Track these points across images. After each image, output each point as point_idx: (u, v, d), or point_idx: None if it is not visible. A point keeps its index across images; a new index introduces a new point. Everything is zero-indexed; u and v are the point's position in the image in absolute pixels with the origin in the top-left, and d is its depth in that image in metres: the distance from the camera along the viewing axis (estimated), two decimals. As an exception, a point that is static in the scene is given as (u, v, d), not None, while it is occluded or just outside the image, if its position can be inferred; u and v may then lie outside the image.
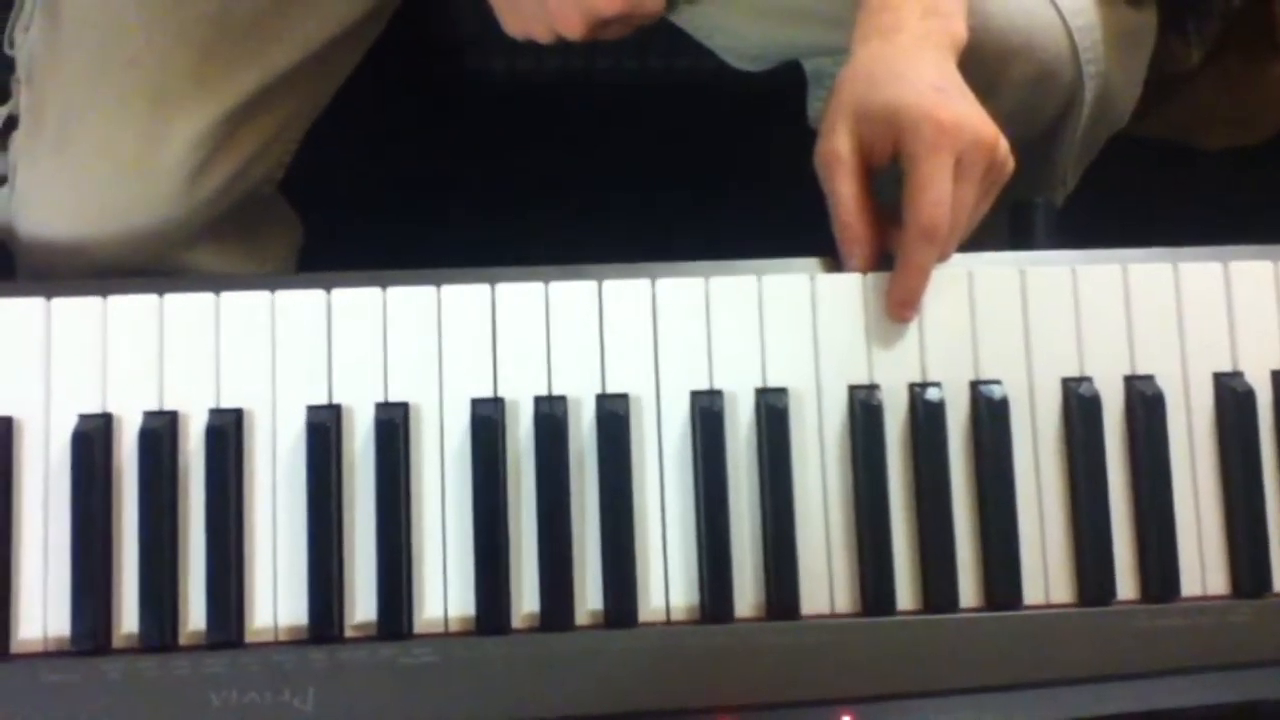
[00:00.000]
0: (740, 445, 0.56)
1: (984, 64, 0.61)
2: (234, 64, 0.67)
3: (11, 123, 0.69)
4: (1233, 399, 0.57)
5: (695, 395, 0.56)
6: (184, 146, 0.67)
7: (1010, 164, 0.58)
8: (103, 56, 0.66)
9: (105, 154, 0.66)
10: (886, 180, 0.58)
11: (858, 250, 0.57)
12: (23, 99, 0.68)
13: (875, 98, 0.56)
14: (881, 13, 0.59)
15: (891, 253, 0.58)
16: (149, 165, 0.66)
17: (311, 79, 0.72)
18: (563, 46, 0.66)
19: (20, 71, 0.69)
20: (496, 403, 0.56)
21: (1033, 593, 0.56)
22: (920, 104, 0.55)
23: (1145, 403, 0.57)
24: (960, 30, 0.60)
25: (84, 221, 0.66)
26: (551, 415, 0.55)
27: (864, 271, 0.58)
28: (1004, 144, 0.57)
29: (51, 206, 0.67)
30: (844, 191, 0.57)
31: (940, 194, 0.55)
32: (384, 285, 0.56)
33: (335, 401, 0.56)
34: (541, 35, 0.65)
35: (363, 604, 0.55)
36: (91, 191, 0.66)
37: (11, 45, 0.70)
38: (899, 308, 0.57)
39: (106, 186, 0.66)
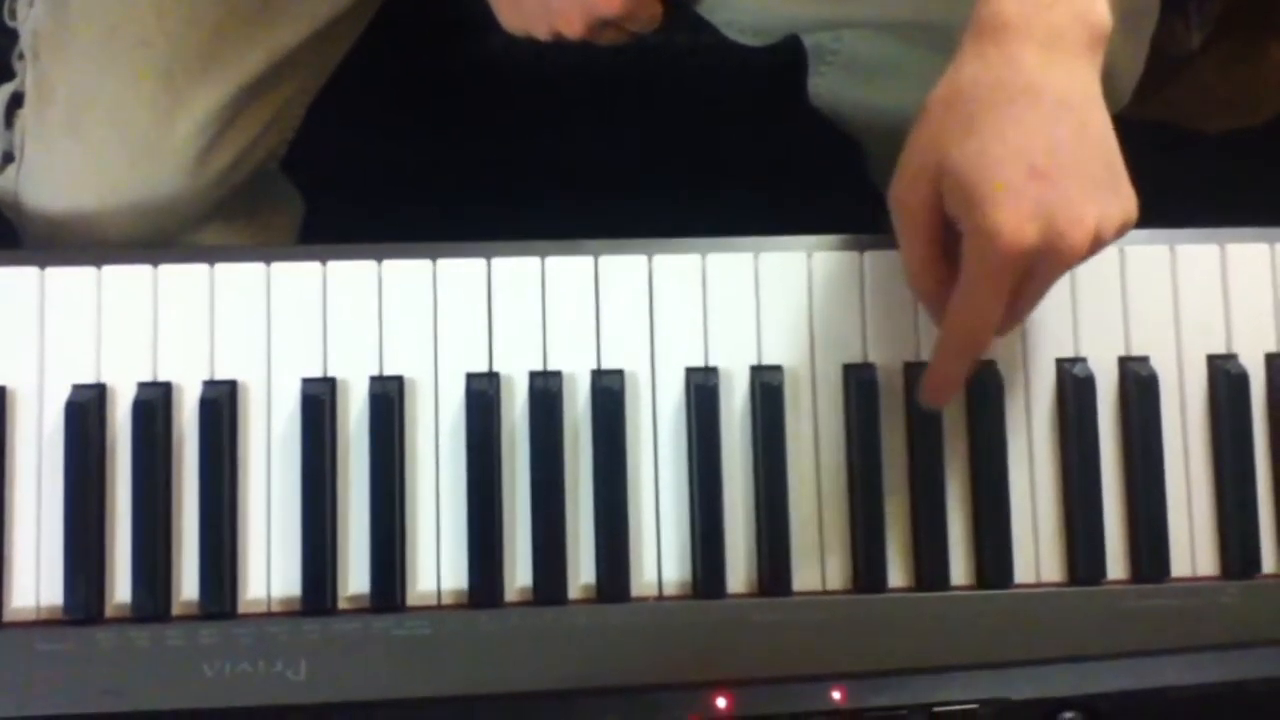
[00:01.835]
0: (735, 422, 0.57)
1: None
2: (243, 42, 0.67)
3: (16, 100, 0.69)
4: (1226, 381, 0.58)
5: (690, 372, 0.57)
6: (194, 125, 0.66)
7: (1129, 223, 0.50)
8: (113, 36, 0.66)
9: (116, 134, 0.66)
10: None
11: (932, 307, 0.53)
12: (29, 76, 0.68)
13: (963, 163, 0.47)
14: None
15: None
16: (160, 144, 0.66)
17: (316, 54, 0.71)
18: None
19: (24, 47, 0.69)
20: (492, 377, 0.56)
21: (1023, 571, 0.56)
22: (994, 206, 0.46)
23: (1139, 384, 0.57)
24: (1102, 17, 0.49)
25: (94, 199, 0.66)
26: (546, 391, 0.55)
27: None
28: (1111, 225, 0.48)
29: (61, 184, 0.67)
30: (913, 252, 0.51)
31: (985, 319, 0.49)
32: (379, 258, 0.56)
33: (330, 374, 0.56)
34: (540, 32, 0.64)
35: (356, 576, 0.55)
36: (102, 170, 0.66)
37: (13, 17, 0.70)
38: (927, 397, 0.54)
39: (117, 165, 0.66)
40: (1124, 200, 0.49)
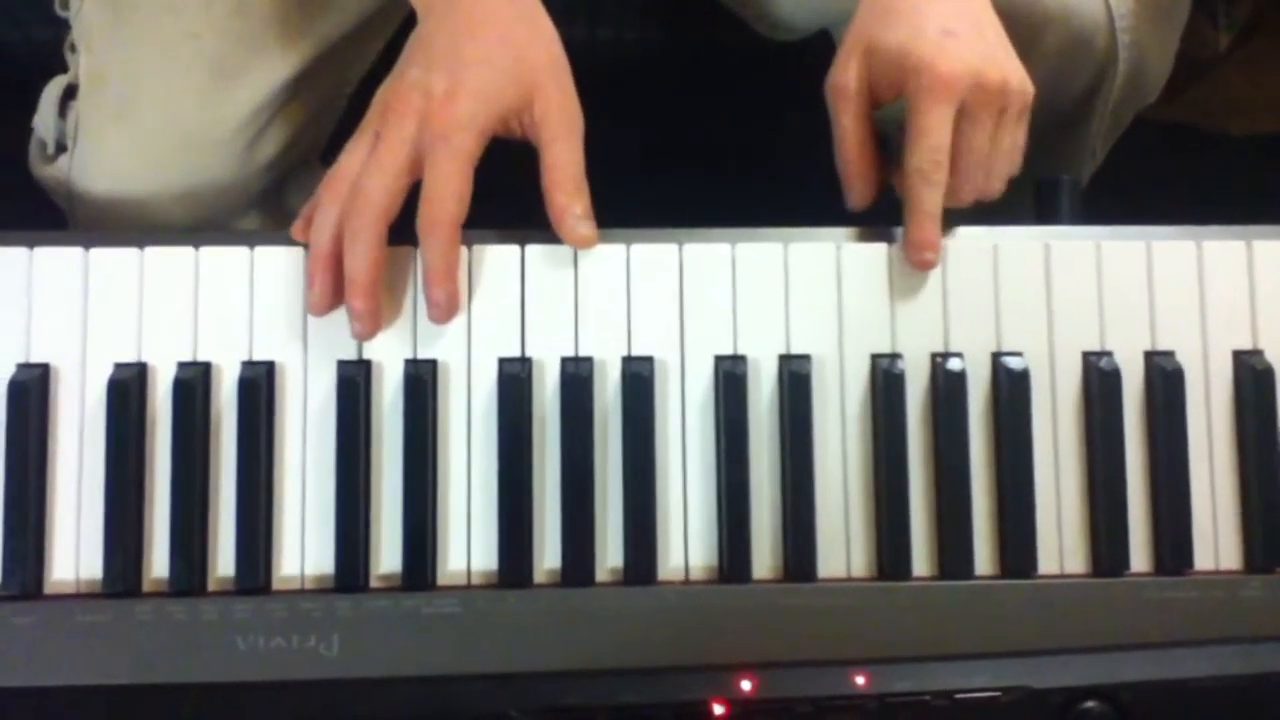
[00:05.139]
0: (762, 410, 0.57)
1: (1018, 29, 0.62)
2: (290, 35, 0.69)
3: (70, 91, 0.71)
4: (1251, 376, 0.58)
5: (719, 360, 0.57)
6: (242, 116, 0.68)
7: (1028, 89, 0.58)
8: (164, 29, 0.67)
9: (166, 124, 0.68)
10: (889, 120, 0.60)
11: (857, 185, 0.59)
12: (82, 66, 0.70)
13: (886, 37, 0.57)
14: None
15: (898, 196, 0.59)
16: (209, 135, 0.68)
17: (358, 46, 0.73)
18: (590, 16, 0.66)
19: (76, 38, 0.70)
20: (524, 362, 0.57)
21: (1047, 561, 0.57)
22: (924, 51, 0.56)
23: (1165, 378, 0.57)
24: None
25: (143, 188, 0.68)
26: (577, 375, 0.56)
27: (861, 208, 0.60)
28: (1015, 78, 0.58)
29: (113, 174, 0.68)
30: (847, 125, 0.59)
31: (936, 143, 0.56)
32: (414, 244, 0.57)
33: (365, 357, 0.57)
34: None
35: (388, 555, 0.56)
36: (153, 160, 0.68)
37: (65, 7, 0.71)
38: (916, 253, 0.57)
39: (168, 156, 0.68)
40: (1019, 68, 0.59)
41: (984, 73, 0.56)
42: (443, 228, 0.54)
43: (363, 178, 0.55)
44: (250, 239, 0.58)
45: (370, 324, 0.55)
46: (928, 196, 0.57)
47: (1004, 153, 0.59)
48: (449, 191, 0.54)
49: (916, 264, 0.57)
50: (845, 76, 0.58)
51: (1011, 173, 0.60)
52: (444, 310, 0.56)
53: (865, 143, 0.59)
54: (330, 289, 0.55)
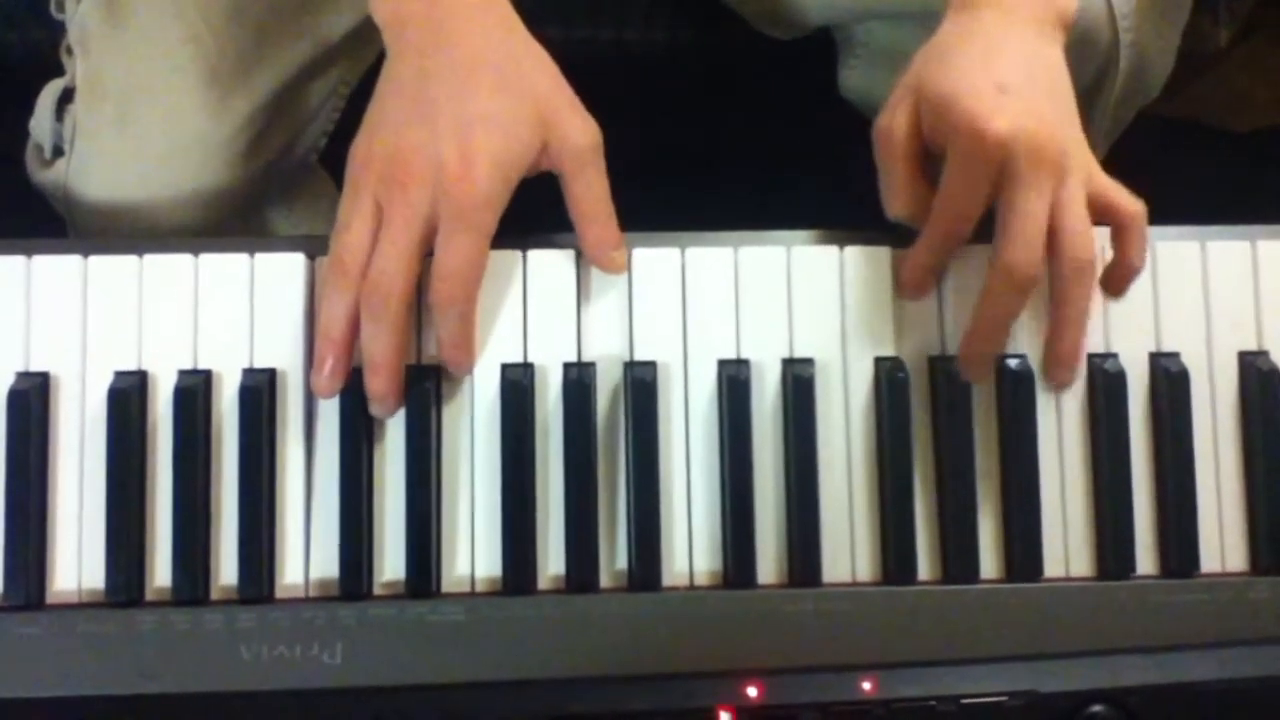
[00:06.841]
0: (766, 414, 0.57)
1: None
2: (287, 36, 0.68)
3: (67, 94, 0.70)
4: (1257, 377, 0.58)
5: (722, 364, 0.57)
6: (241, 118, 0.68)
7: (1090, 164, 0.55)
8: (161, 34, 0.67)
9: (164, 128, 0.67)
10: None
11: (906, 222, 0.56)
12: (78, 70, 0.69)
13: (938, 84, 0.54)
14: None
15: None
16: (207, 138, 0.67)
17: (357, 45, 0.72)
18: (592, 17, 0.66)
19: (73, 42, 0.70)
20: (526, 368, 0.56)
21: (1053, 565, 0.56)
22: (970, 108, 0.52)
23: (1169, 380, 0.57)
24: (1068, 5, 0.56)
25: (141, 192, 0.68)
26: (580, 381, 0.56)
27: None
28: (1076, 150, 0.54)
29: (111, 178, 0.68)
30: (892, 172, 0.56)
31: (966, 209, 0.54)
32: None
33: (367, 363, 0.56)
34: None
35: (392, 562, 0.56)
36: (150, 164, 0.68)
37: (60, 10, 0.71)
38: (905, 290, 0.57)
39: (165, 159, 0.67)
40: (1080, 140, 0.55)
41: (1035, 131, 0.52)
42: (462, 302, 0.54)
43: (379, 259, 0.52)
44: (250, 245, 0.57)
45: (393, 405, 0.55)
46: (933, 257, 0.56)
47: (1076, 228, 0.53)
48: (468, 272, 0.53)
49: (901, 295, 0.58)
50: (894, 120, 0.55)
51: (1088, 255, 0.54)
52: (464, 370, 0.56)
53: (913, 189, 0.56)
54: (341, 373, 0.54)
